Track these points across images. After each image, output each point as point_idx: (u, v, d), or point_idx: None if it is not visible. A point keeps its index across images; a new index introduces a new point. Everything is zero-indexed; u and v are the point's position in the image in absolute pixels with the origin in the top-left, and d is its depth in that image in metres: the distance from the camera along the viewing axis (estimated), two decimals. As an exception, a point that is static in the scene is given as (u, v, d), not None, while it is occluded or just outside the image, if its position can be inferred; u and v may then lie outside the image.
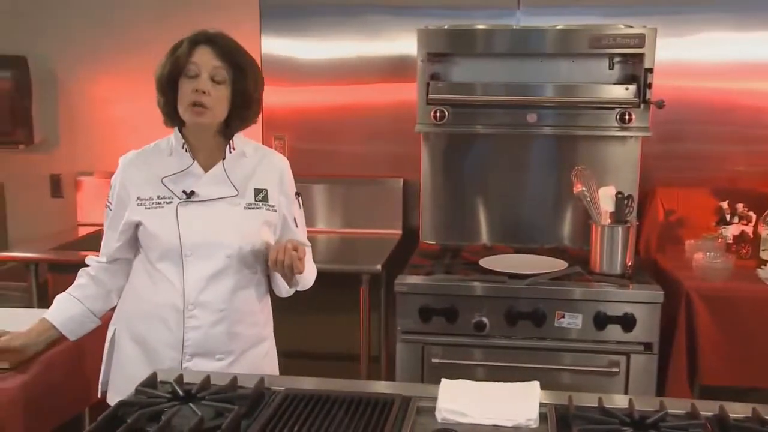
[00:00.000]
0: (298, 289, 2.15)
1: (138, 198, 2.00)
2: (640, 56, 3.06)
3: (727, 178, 3.53)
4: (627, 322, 2.84)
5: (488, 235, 3.53)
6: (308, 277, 2.13)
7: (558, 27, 3.16)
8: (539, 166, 3.49)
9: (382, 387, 1.87)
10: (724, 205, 3.34)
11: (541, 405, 1.67)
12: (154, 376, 1.74)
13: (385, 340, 3.56)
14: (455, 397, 1.68)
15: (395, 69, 3.59)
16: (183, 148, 2.02)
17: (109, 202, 2.06)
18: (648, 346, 2.86)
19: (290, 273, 1.94)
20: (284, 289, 2.15)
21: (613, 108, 3.16)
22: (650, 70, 3.04)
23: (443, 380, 1.76)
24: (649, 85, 3.05)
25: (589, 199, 3.06)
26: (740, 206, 3.33)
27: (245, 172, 2.06)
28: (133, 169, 2.04)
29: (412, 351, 2.94)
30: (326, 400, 1.66)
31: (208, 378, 1.73)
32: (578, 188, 3.06)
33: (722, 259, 3.06)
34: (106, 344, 2.12)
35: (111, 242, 2.06)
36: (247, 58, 2.01)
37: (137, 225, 2.00)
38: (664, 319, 2.88)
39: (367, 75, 3.65)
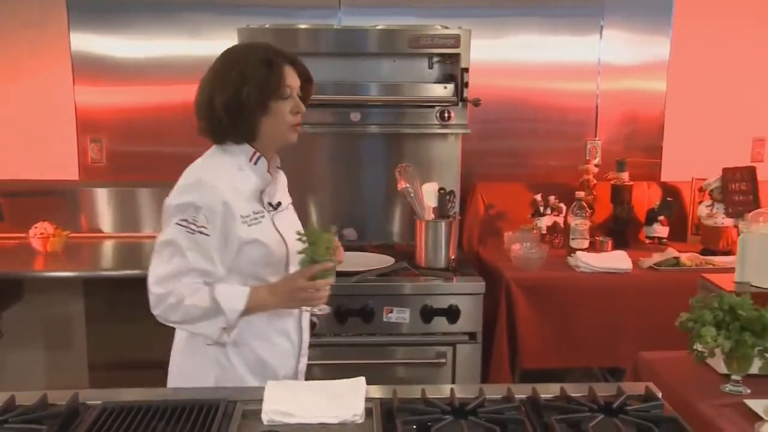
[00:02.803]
0: None
1: (241, 216, 1.92)
2: (457, 56, 3.17)
3: (540, 173, 3.75)
4: (452, 314, 2.94)
5: (320, 234, 3.53)
6: None
7: (378, 27, 3.21)
8: (366, 164, 3.54)
9: (207, 392, 1.82)
10: (538, 198, 3.53)
11: (368, 400, 1.70)
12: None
13: (215, 345, 3.48)
14: (281, 398, 1.68)
15: (217, 68, 3.51)
16: (254, 161, 1.98)
17: (202, 227, 1.88)
18: (472, 336, 2.98)
19: None
20: None
21: (433, 106, 3.25)
22: (466, 70, 3.15)
23: (269, 381, 1.75)
24: (466, 84, 3.16)
25: (413, 195, 3.14)
26: (552, 199, 3.53)
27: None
28: (230, 189, 1.93)
29: (242, 354, 2.89)
30: (147, 410, 1.60)
31: (12, 398, 1.61)
32: (402, 185, 3.13)
33: (537, 249, 3.23)
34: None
35: (218, 265, 1.91)
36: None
37: (247, 243, 1.92)
38: (487, 309, 3.00)
39: (188, 74, 3.51)
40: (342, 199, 3.54)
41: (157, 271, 1.91)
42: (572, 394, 1.72)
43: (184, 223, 1.88)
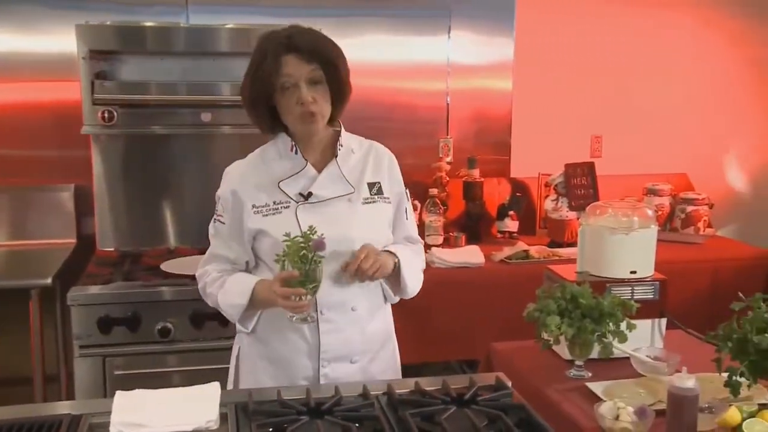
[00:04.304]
0: (404, 296, 2.07)
1: (253, 206, 1.94)
2: (309, 56, 3.16)
3: (395, 171, 3.79)
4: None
5: (174, 238, 3.45)
6: (415, 283, 2.06)
7: (228, 26, 3.16)
8: (221, 164, 3.41)
9: (52, 408, 1.74)
10: (393, 195, 3.57)
11: (223, 405, 1.67)
12: None
13: (63, 357, 3.32)
14: (131, 409, 1.62)
15: (56, 66, 3.32)
16: (292, 150, 1.95)
17: (220, 216, 2.00)
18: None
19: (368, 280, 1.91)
20: (388, 296, 2.08)
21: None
22: (317, 69, 3.14)
23: (118, 392, 1.69)
24: (318, 84, 3.15)
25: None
26: (407, 196, 3.59)
27: (356, 168, 2.01)
28: (242, 178, 1.98)
29: (91, 365, 2.78)
30: (-20, 432, 1.50)
31: None
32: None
33: (393, 246, 3.27)
34: (232, 360, 2.09)
35: (238, 253, 1.99)
36: (331, 47, 1.93)
37: (258, 233, 1.93)
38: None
39: (22, 72, 3.34)
40: (197, 201, 3.45)
41: None
42: (426, 388, 1.76)
43: (215, 214, 2.03)
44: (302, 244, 1.77)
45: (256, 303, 1.93)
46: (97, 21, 3.05)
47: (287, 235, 1.80)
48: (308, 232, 1.78)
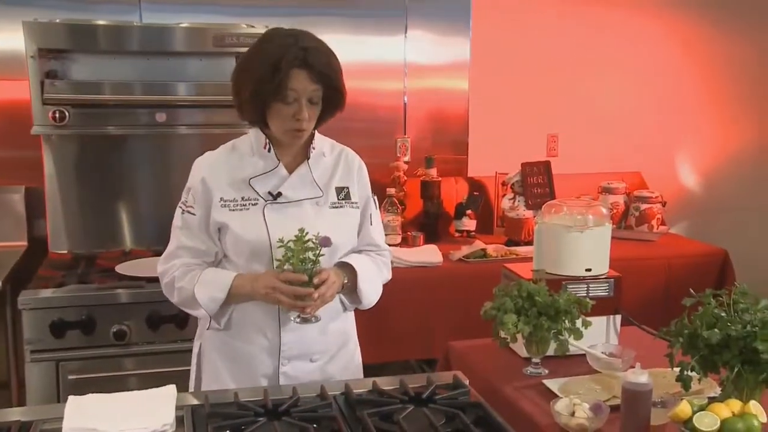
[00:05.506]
0: (359, 308, 2.09)
1: (221, 199, 1.94)
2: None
3: (353, 171, 3.78)
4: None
5: (130, 240, 3.40)
6: (372, 297, 2.06)
7: (182, 25, 3.12)
8: (177, 165, 3.41)
9: (1, 415, 1.69)
10: (351, 195, 3.57)
11: (179, 408, 1.65)
12: None
13: (15, 362, 3.25)
14: (84, 414, 1.59)
15: (4, 64, 3.25)
16: (266, 148, 1.96)
17: (190, 207, 1.97)
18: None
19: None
20: (346, 305, 2.08)
21: (243, 106, 3.20)
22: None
23: (70, 397, 1.67)
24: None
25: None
26: (365, 196, 3.59)
27: (326, 172, 2.03)
28: (213, 171, 1.96)
29: (44, 370, 2.73)
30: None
31: None
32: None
33: (351, 246, 3.27)
34: (193, 359, 2.07)
35: (209, 244, 1.97)
36: (338, 72, 1.92)
37: (222, 227, 1.93)
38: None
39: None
40: (153, 202, 3.41)
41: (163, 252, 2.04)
42: (384, 388, 1.76)
43: (181, 205, 2.00)
44: (307, 244, 1.82)
45: (231, 297, 1.93)
46: (46, 18, 2.97)
47: (281, 240, 1.84)
48: (301, 235, 1.82)
